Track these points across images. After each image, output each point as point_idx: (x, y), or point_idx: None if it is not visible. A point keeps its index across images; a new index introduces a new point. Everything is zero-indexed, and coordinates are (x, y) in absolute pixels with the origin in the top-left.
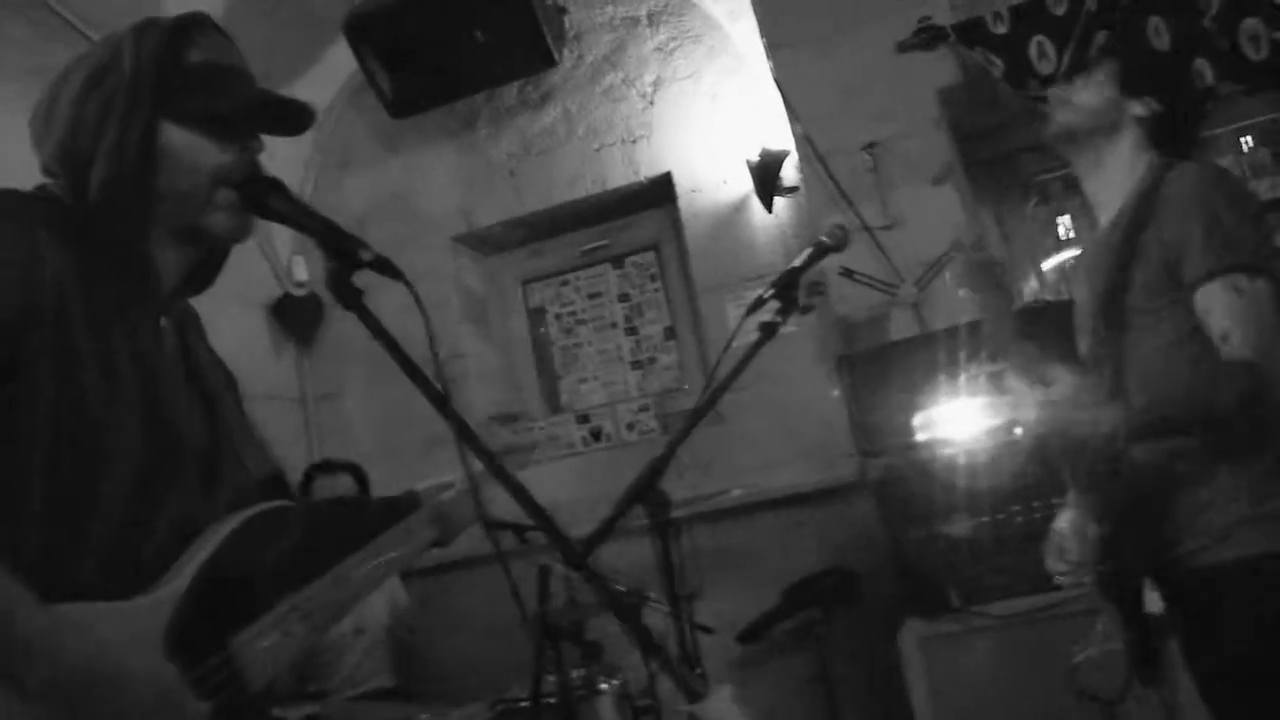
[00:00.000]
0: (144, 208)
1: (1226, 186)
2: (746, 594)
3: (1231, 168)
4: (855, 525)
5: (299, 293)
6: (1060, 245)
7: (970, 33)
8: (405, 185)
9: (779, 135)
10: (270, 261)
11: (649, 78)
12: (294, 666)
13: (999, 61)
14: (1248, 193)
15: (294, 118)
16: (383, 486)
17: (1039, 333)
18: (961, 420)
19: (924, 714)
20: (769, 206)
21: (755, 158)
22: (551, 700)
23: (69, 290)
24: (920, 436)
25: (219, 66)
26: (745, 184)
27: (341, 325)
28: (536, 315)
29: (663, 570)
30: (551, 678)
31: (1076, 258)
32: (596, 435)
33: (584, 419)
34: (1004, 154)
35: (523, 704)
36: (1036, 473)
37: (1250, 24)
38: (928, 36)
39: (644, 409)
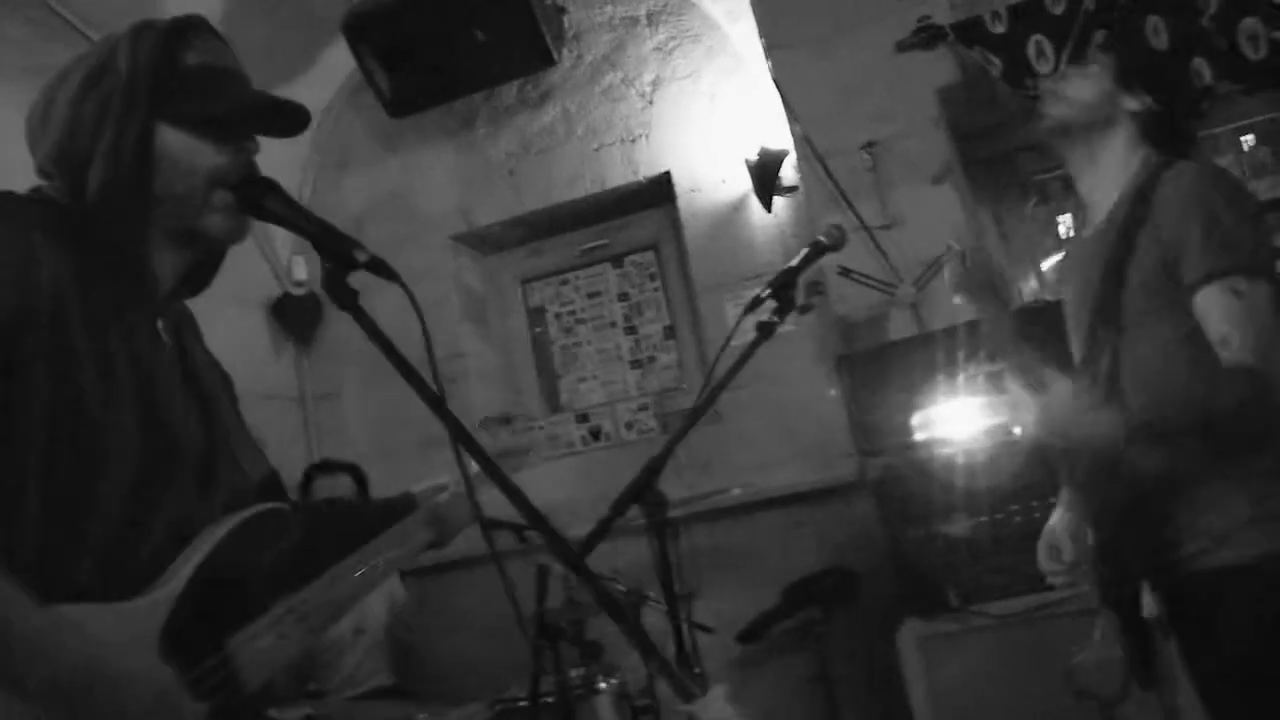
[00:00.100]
0: (141, 209)
1: (1225, 186)
2: (745, 593)
3: (1231, 167)
4: (854, 525)
5: (298, 292)
6: (1060, 245)
7: (969, 32)
8: (404, 185)
9: (778, 135)
10: (270, 261)
11: (648, 77)
12: (293, 667)
13: (997, 61)
14: (1246, 193)
15: (289, 119)
16: (380, 486)
17: (1038, 333)
18: (960, 420)
19: (923, 713)
20: (768, 206)
21: (754, 157)
22: (550, 700)
23: (65, 292)
24: (919, 436)
25: (214, 69)
26: (744, 183)
27: (340, 325)
28: (536, 314)
29: (660, 570)
30: (552, 677)
31: (1066, 256)
32: (596, 434)
33: (583, 418)
34: (1003, 153)
35: (521, 703)
36: (1035, 472)
37: (1249, 23)
38: (927, 36)
39: (643, 408)
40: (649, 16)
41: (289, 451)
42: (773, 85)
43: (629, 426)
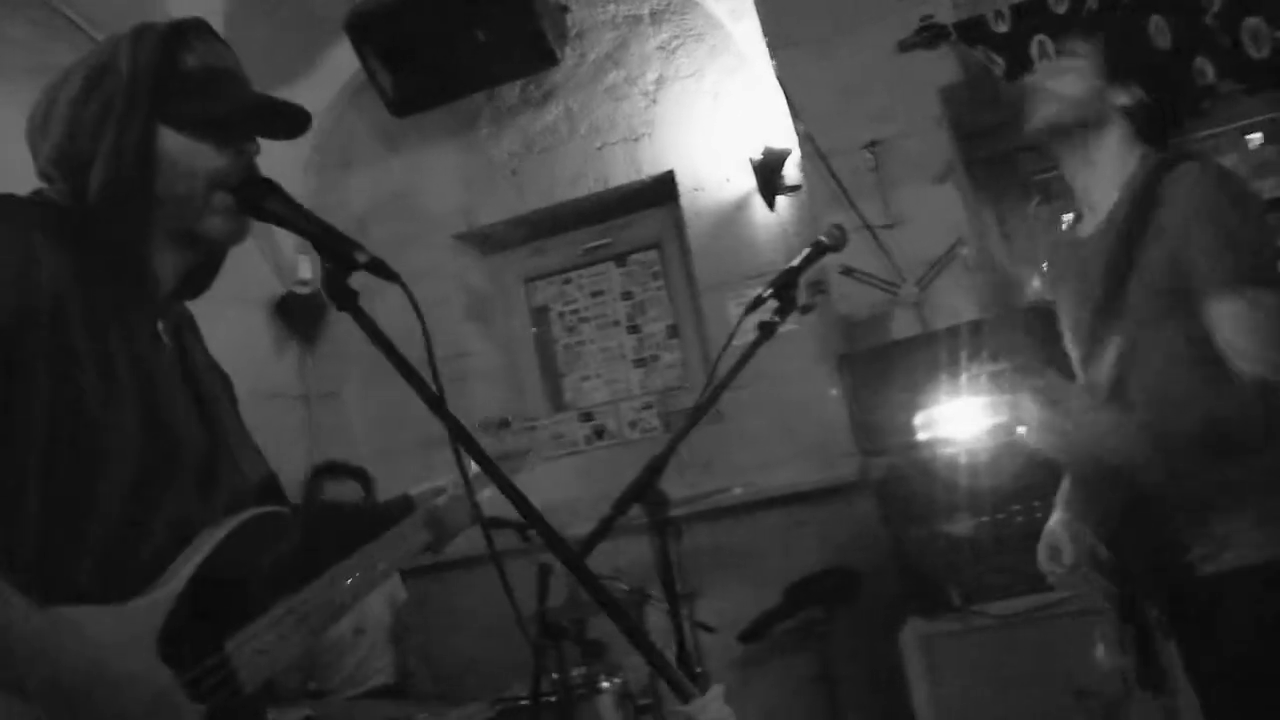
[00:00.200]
0: (142, 211)
1: (1233, 190)
2: (747, 593)
3: (1235, 166)
4: (856, 524)
5: (303, 291)
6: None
7: (972, 31)
8: (407, 184)
9: (780, 134)
10: (274, 260)
11: (651, 76)
12: (294, 668)
13: (1000, 60)
14: (1254, 195)
15: (290, 121)
16: (382, 485)
17: (1041, 333)
18: (963, 419)
19: (925, 713)
20: (771, 205)
21: (759, 156)
22: (552, 699)
23: (65, 292)
24: (921, 435)
25: (214, 71)
26: (747, 182)
27: (343, 325)
28: (539, 313)
29: (661, 569)
30: (555, 676)
31: (1057, 255)
32: (599, 433)
33: (587, 417)
34: (1005, 153)
35: (523, 702)
36: (1037, 472)
37: (1252, 23)
38: (929, 35)
39: (647, 407)
40: (652, 15)
41: (291, 450)
42: (776, 84)
43: (632, 425)
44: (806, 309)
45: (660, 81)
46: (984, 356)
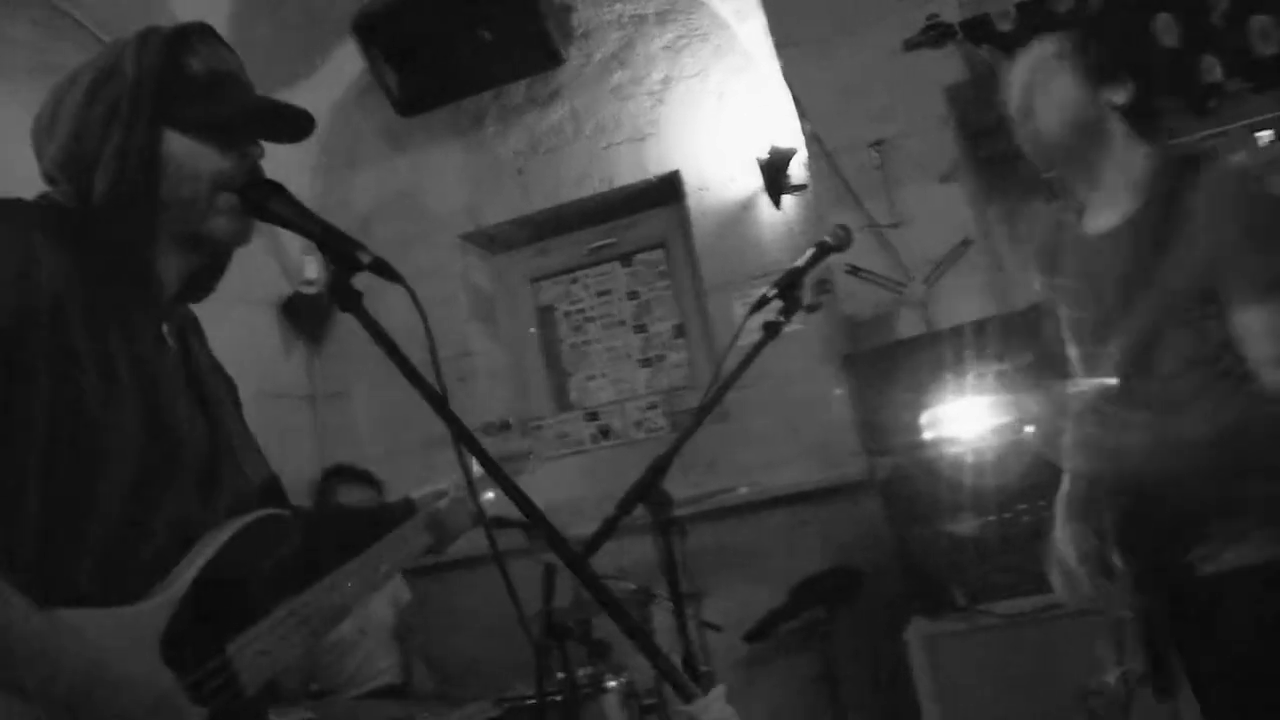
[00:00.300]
0: (146, 214)
1: (1264, 195)
2: (752, 592)
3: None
4: (861, 524)
5: (309, 291)
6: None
7: (977, 30)
8: (412, 184)
9: (785, 133)
10: (281, 260)
11: (657, 76)
12: (298, 669)
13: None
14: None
15: (293, 124)
16: (389, 486)
17: (1046, 332)
18: (968, 419)
19: (930, 713)
20: (777, 204)
21: (765, 155)
22: (557, 698)
23: (67, 293)
24: (926, 435)
25: (218, 75)
26: (753, 182)
27: (351, 324)
28: (545, 313)
29: (665, 569)
30: (560, 675)
31: (1060, 255)
32: (605, 433)
33: (592, 416)
34: (1011, 151)
35: (528, 702)
36: (1043, 471)
37: (1260, 20)
38: (935, 34)
39: (652, 407)
40: (657, 15)
41: (298, 451)
42: (781, 84)
43: (638, 425)
44: (812, 308)
45: (666, 81)
46: (989, 356)
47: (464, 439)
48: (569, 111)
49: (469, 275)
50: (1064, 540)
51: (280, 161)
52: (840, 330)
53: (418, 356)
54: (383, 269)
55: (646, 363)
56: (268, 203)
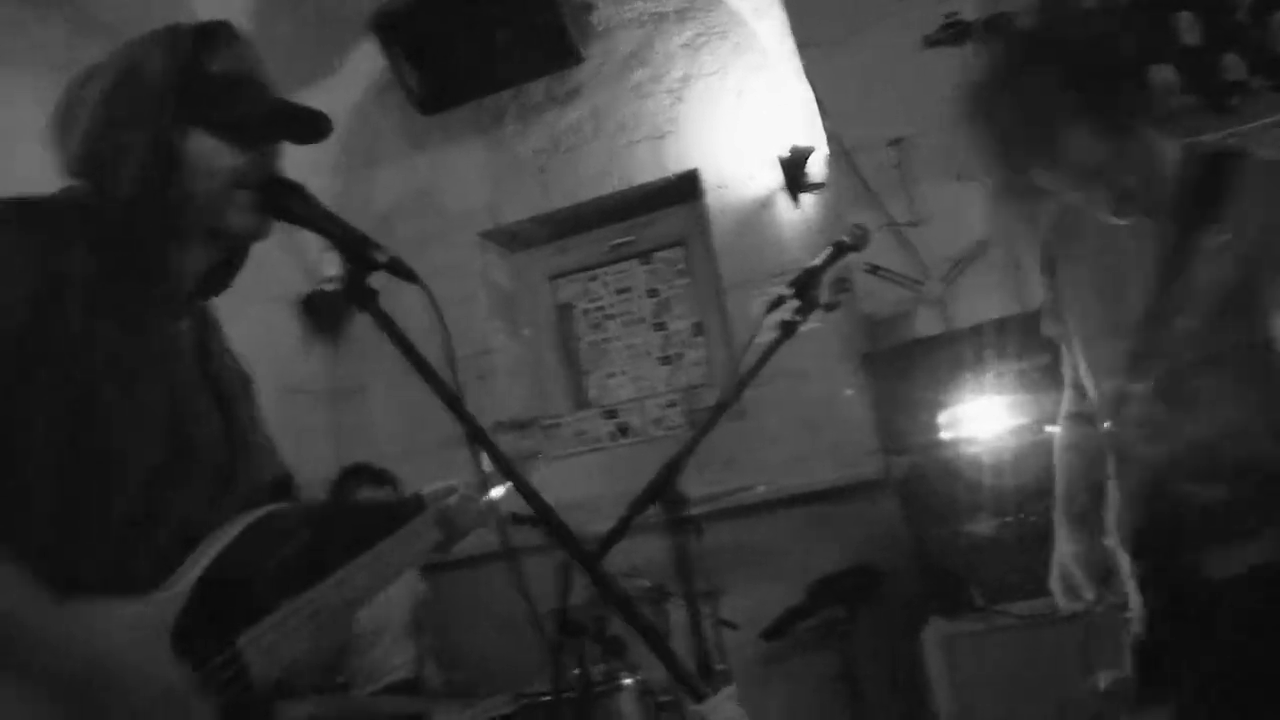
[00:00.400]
0: (165, 211)
1: None
2: (769, 591)
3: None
4: (878, 523)
5: (329, 288)
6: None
7: (996, 27)
8: (432, 182)
9: (804, 131)
10: (300, 257)
11: (676, 74)
12: (314, 664)
13: None
14: None
15: (310, 126)
16: (405, 482)
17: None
18: (986, 418)
19: (947, 712)
20: (796, 202)
21: (785, 153)
22: (572, 695)
23: (84, 289)
24: (944, 434)
25: (238, 75)
26: (771, 180)
27: (370, 322)
28: (564, 311)
29: (679, 567)
30: (576, 672)
31: (1074, 244)
32: (624, 430)
33: (611, 414)
34: None
35: (544, 698)
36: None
37: None
38: (954, 32)
39: (672, 404)
40: (676, 13)
41: (316, 447)
42: (801, 81)
43: (656, 423)
44: (831, 306)
45: (685, 79)
46: (1008, 355)
47: (478, 437)
48: (589, 110)
49: (488, 273)
50: (1068, 559)
51: (300, 160)
52: (859, 329)
53: (437, 355)
54: (398, 268)
55: (666, 360)
56: (284, 202)
